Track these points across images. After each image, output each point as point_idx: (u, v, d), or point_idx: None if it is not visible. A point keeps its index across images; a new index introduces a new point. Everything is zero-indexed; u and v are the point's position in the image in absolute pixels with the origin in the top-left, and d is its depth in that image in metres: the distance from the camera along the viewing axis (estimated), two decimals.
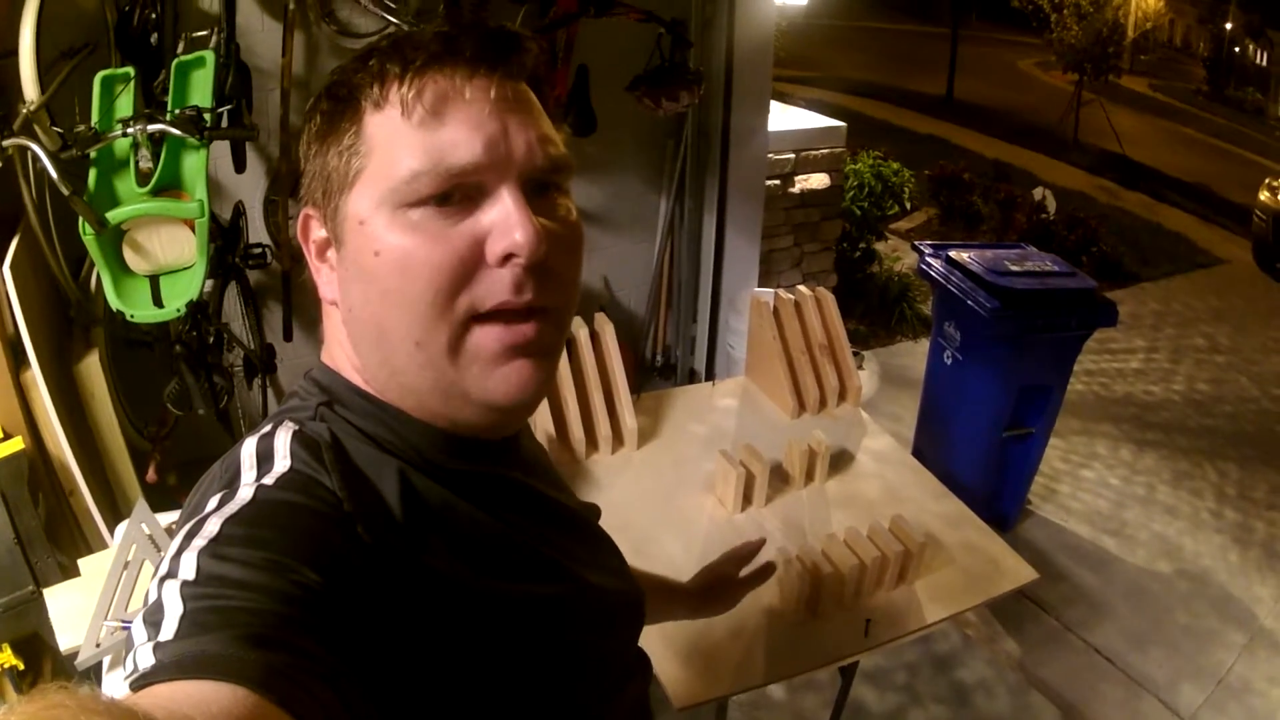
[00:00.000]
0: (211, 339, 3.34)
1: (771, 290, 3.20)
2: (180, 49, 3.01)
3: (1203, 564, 4.62)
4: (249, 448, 0.90)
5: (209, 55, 2.86)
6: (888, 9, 26.56)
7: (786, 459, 2.75)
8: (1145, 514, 5.01)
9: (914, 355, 6.59)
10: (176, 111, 2.69)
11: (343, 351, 1.00)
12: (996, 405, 4.25)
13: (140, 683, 0.64)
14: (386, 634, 0.80)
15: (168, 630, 0.68)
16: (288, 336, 3.82)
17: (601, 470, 2.76)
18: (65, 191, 2.50)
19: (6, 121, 2.64)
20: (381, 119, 0.90)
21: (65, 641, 2.05)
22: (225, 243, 3.36)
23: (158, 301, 2.78)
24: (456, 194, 0.89)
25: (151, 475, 3.30)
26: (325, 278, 0.99)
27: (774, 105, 5.26)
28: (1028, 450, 4.45)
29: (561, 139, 0.99)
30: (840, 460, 2.86)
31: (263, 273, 3.74)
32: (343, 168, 0.93)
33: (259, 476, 0.85)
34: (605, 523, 1.30)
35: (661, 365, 5.25)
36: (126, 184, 2.70)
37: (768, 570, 1.80)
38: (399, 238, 0.88)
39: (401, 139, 0.89)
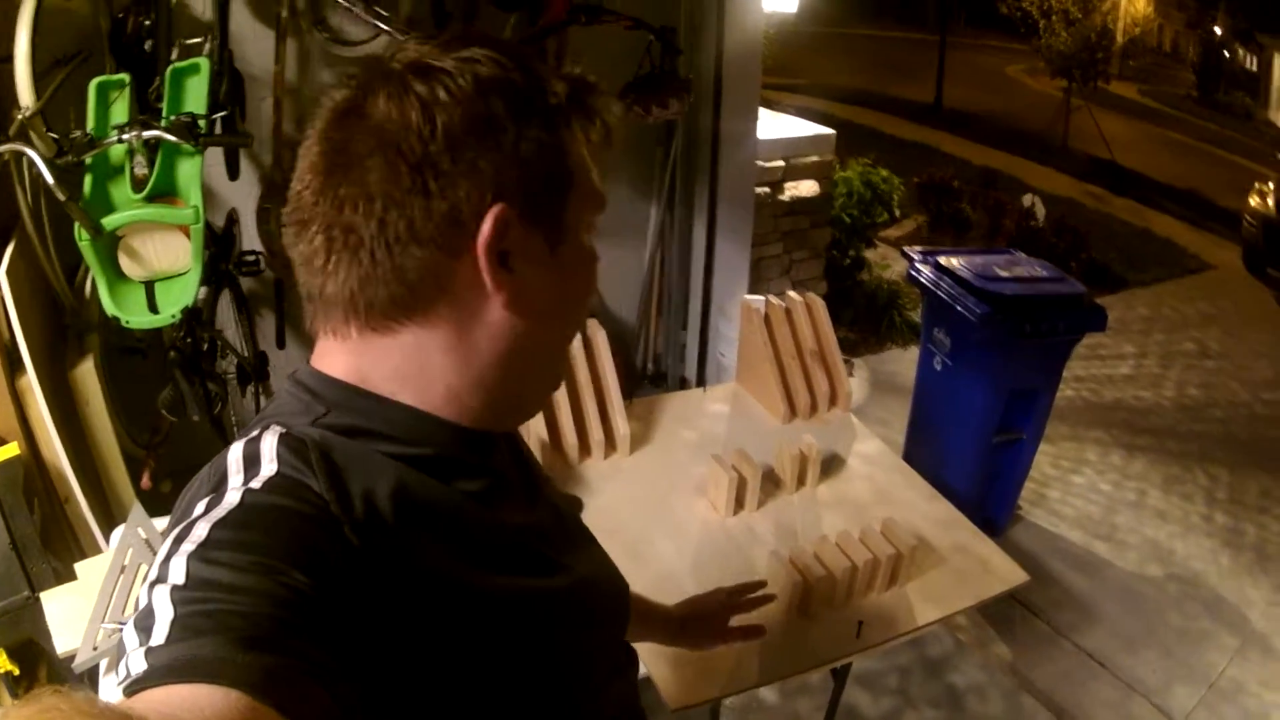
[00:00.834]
0: (205, 346, 3.34)
1: (762, 297, 3.21)
2: (174, 56, 3.02)
3: (1194, 567, 4.65)
4: (236, 452, 0.90)
5: (204, 62, 2.86)
6: (875, 15, 26.52)
7: (777, 463, 2.76)
8: (1136, 518, 5.03)
9: (903, 362, 6.62)
10: (172, 118, 2.70)
11: (345, 355, 0.97)
12: (986, 410, 4.26)
13: (133, 688, 0.65)
14: (377, 632, 0.80)
15: (159, 635, 0.68)
16: (280, 344, 3.83)
17: (594, 475, 2.78)
18: (61, 197, 2.51)
19: (2, 128, 2.65)
20: (577, 142, 0.94)
21: (62, 644, 2.06)
22: (219, 250, 3.36)
23: (153, 308, 2.78)
24: None
25: (146, 482, 3.30)
26: (513, 287, 0.94)
27: (763, 112, 5.26)
28: (1018, 455, 4.47)
29: None
30: (831, 464, 2.87)
31: (255, 280, 3.74)
32: (549, 165, 0.93)
33: (246, 480, 0.85)
34: (599, 526, 1.31)
35: (653, 373, 5.25)
36: (121, 190, 2.71)
37: (757, 632, 1.76)
38: (588, 266, 0.98)
39: (589, 168, 0.94)
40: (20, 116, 2.60)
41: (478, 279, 0.91)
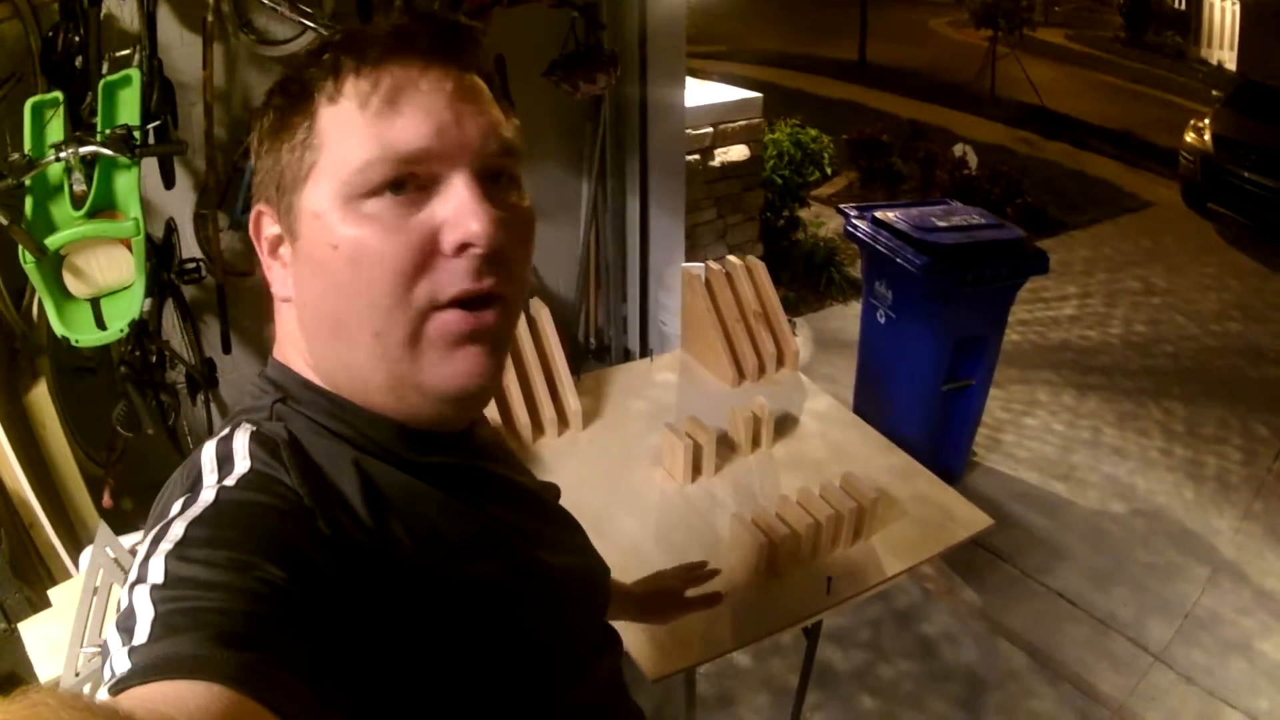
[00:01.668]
0: (154, 358, 3.33)
1: (702, 264, 3.23)
2: (105, 70, 3.00)
3: (1157, 501, 4.71)
4: (209, 451, 0.91)
5: (135, 73, 2.85)
6: None
7: (731, 427, 2.77)
8: (1093, 457, 5.10)
9: (845, 318, 6.67)
10: (107, 132, 2.69)
11: (295, 348, 1.00)
12: (934, 360, 4.30)
13: (118, 687, 0.66)
14: (354, 623, 0.81)
15: (141, 634, 0.70)
16: (226, 349, 3.81)
17: (549, 453, 2.77)
18: (4, 221, 2.50)
19: None
20: (335, 112, 0.91)
21: (45, 673, 2.05)
22: (159, 260, 3.35)
23: (100, 324, 2.76)
24: (410, 183, 0.90)
25: (107, 500, 3.29)
26: (278, 275, 0.99)
27: (689, 81, 5.30)
28: (969, 402, 4.51)
29: (513, 127, 1.00)
30: (784, 424, 2.89)
31: (197, 287, 3.72)
32: (296, 163, 0.92)
33: (220, 479, 0.86)
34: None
35: (596, 347, 5.28)
36: (62, 209, 2.69)
37: (714, 599, 1.78)
38: (355, 229, 0.89)
39: (355, 131, 0.89)
40: None
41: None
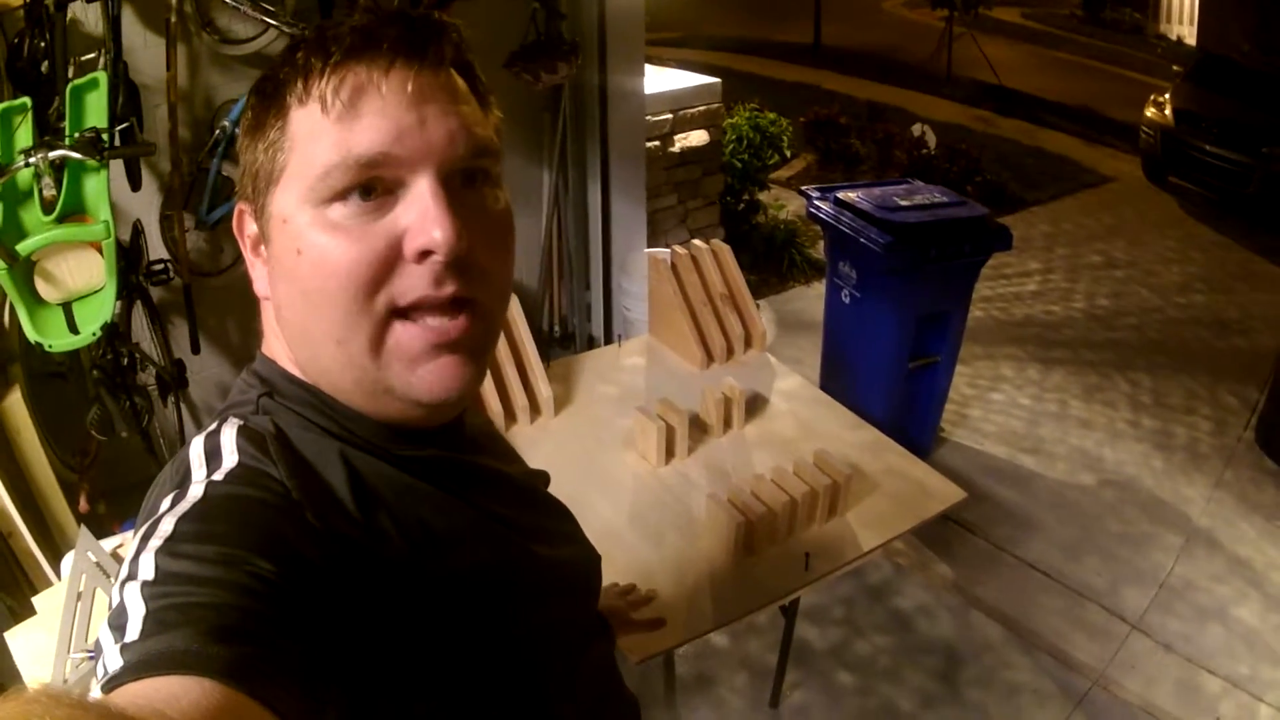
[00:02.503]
0: (126, 360, 3.33)
1: (667, 249, 3.25)
2: (70, 74, 3.00)
3: (1126, 472, 4.75)
4: (197, 447, 0.91)
5: (101, 76, 2.84)
6: None
7: (702, 409, 2.80)
8: (1060, 429, 5.12)
9: (807, 299, 6.68)
10: (75, 135, 2.69)
11: (279, 344, 1.00)
12: (899, 337, 4.33)
13: (111, 684, 0.66)
14: (344, 615, 0.81)
15: (132, 631, 0.70)
16: (195, 349, 3.80)
17: (522, 441, 2.77)
18: None
19: None
20: (304, 114, 0.89)
21: (32, 680, 2.05)
22: (127, 263, 3.35)
23: (73, 328, 2.76)
24: (377, 188, 0.88)
25: (83, 505, 3.28)
26: (259, 273, 0.99)
27: (648, 68, 5.31)
28: (935, 378, 4.55)
29: (494, 124, 0.99)
30: (754, 404, 2.92)
31: (164, 289, 3.72)
32: (268, 164, 0.92)
33: (209, 473, 0.87)
34: None
35: (560, 335, 5.29)
36: (32, 214, 2.69)
37: (658, 624, 1.86)
38: (319, 236, 0.88)
39: (320, 134, 0.88)
40: None
41: None
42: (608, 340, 5.06)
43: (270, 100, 0.93)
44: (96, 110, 2.83)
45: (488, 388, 2.78)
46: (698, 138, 6.11)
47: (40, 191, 2.66)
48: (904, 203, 4.29)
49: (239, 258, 2.84)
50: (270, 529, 0.81)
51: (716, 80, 6.26)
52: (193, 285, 3.68)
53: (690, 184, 6.22)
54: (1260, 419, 5.14)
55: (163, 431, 3.79)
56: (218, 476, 0.86)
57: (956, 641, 3.65)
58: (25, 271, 2.67)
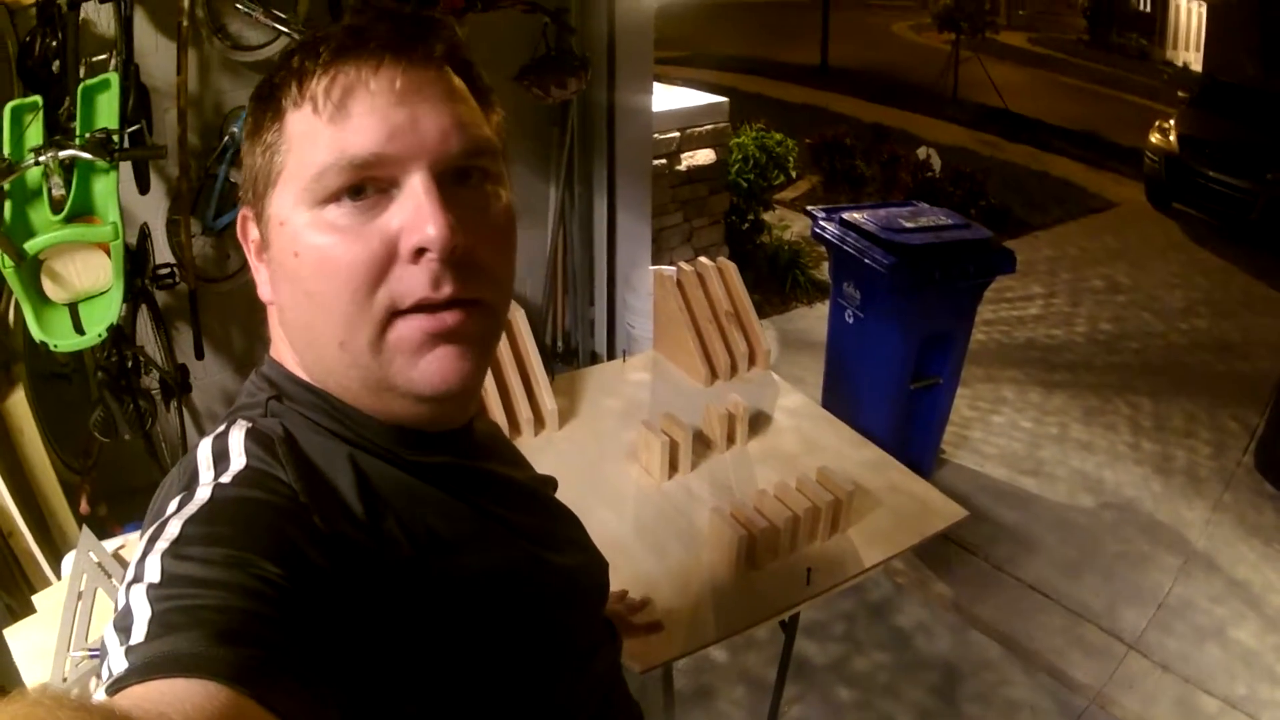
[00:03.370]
0: (130, 363, 3.33)
1: (673, 265, 3.26)
2: (82, 74, 3.00)
3: (1126, 494, 4.76)
4: (205, 449, 0.91)
5: (113, 77, 2.84)
6: None
7: (706, 424, 2.79)
8: (1061, 452, 5.14)
9: (810, 319, 6.71)
10: (86, 136, 2.68)
11: (286, 348, 1.00)
12: (901, 358, 4.33)
13: (115, 686, 0.66)
14: (351, 619, 0.81)
15: (138, 634, 0.70)
16: (199, 355, 3.79)
17: (526, 452, 2.72)
18: None
19: None
20: (299, 117, 0.90)
21: (32, 679, 2.02)
22: (133, 266, 3.35)
23: (78, 329, 2.75)
24: (370, 188, 0.88)
25: (84, 507, 3.27)
26: (262, 277, 0.98)
27: (657, 86, 5.33)
28: (936, 400, 4.56)
29: (495, 124, 0.99)
30: (757, 420, 2.91)
31: (168, 294, 3.71)
32: (266, 167, 0.93)
33: (216, 476, 0.87)
34: None
35: (563, 351, 5.28)
36: (41, 213, 2.68)
37: (656, 628, 1.89)
38: (315, 237, 0.88)
39: (314, 135, 0.88)
40: None
41: None
42: (610, 357, 5.07)
43: (267, 104, 0.94)
44: (107, 111, 2.82)
45: (492, 399, 2.77)
46: (704, 156, 6.14)
47: (49, 191, 2.66)
48: (909, 224, 4.30)
49: (244, 265, 2.84)
50: (277, 532, 0.81)
51: (724, 99, 6.30)
52: (198, 291, 3.67)
53: (696, 202, 6.24)
54: (1260, 443, 5.15)
55: (165, 436, 3.79)
56: (225, 479, 0.86)
57: (955, 659, 3.66)
58: (32, 270, 2.67)
